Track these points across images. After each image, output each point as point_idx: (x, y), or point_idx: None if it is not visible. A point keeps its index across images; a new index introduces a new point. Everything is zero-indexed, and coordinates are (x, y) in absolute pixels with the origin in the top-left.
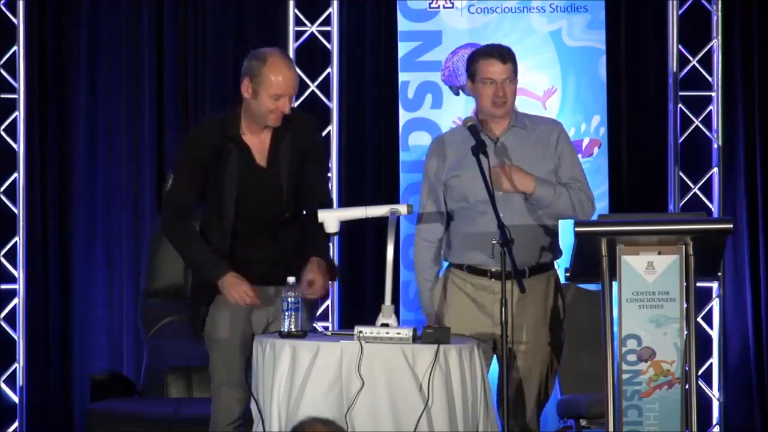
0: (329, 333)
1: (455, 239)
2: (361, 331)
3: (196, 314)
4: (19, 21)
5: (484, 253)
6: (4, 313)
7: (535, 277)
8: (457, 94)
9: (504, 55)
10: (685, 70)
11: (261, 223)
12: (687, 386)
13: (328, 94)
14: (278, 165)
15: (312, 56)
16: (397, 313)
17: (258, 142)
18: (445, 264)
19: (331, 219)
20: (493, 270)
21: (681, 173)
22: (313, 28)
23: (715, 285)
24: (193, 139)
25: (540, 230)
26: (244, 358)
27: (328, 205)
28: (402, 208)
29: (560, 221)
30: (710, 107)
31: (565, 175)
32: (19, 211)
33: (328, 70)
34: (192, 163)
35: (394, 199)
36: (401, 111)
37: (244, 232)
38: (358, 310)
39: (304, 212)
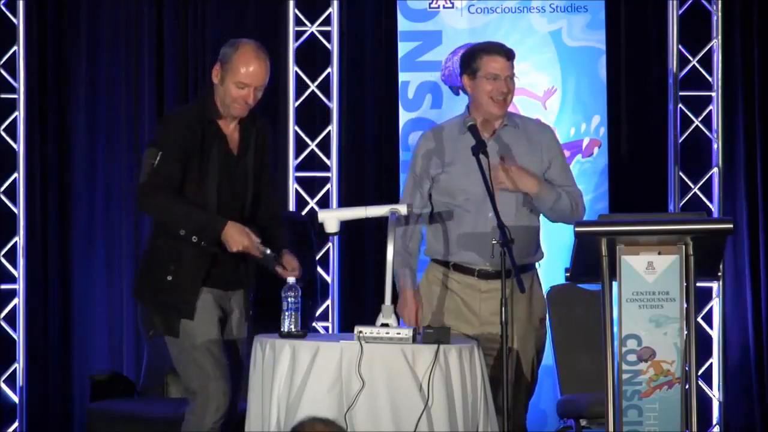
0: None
1: (441, 236)
2: (361, 331)
3: (168, 318)
4: (19, 21)
5: (472, 251)
6: (4, 313)
7: (522, 276)
8: (457, 94)
9: (508, 52)
10: (685, 70)
11: (229, 217)
12: (687, 386)
13: (328, 94)
14: (246, 158)
15: (312, 56)
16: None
17: (230, 132)
18: (425, 260)
19: (331, 219)
20: (480, 269)
21: (681, 173)
22: (313, 28)
23: (715, 285)
24: (177, 119)
25: (528, 231)
26: (225, 351)
27: (278, 211)
28: (402, 208)
29: (542, 223)
30: (710, 107)
31: (556, 180)
32: (19, 211)
33: (328, 70)
34: (179, 142)
35: (394, 199)
36: (401, 111)
37: None
38: (358, 310)
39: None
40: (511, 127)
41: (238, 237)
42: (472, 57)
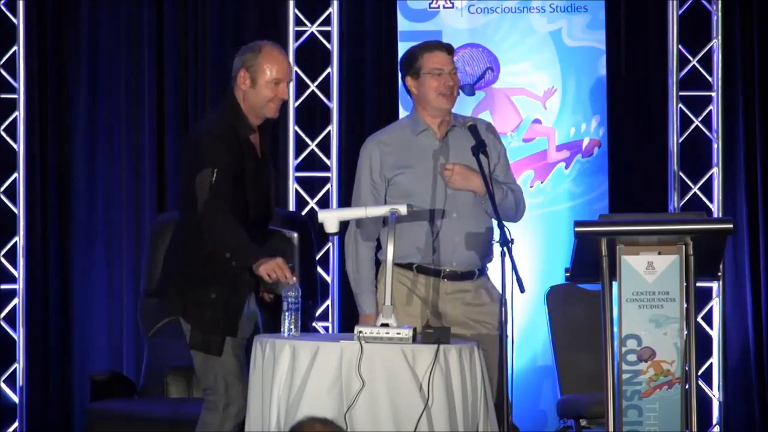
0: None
1: (401, 239)
2: (361, 331)
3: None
4: (19, 21)
5: (439, 253)
6: (4, 313)
7: (479, 281)
8: (457, 94)
9: (448, 47)
10: (685, 70)
11: (256, 225)
12: (687, 386)
13: (328, 94)
14: (268, 161)
15: (312, 56)
16: None
17: (255, 139)
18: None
19: (331, 219)
20: (448, 270)
21: (681, 173)
22: (313, 28)
23: (715, 285)
24: (221, 138)
25: (488, 232)
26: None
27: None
28: (402, 208)
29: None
30: (710, 107)
31: (500, 177)
32: (19, 211)
33: (328, 70)
34: (228, 160)
35: None
36: (401, 111)
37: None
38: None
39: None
40: (459, 128)
41: (270, 266)
42: (413, 58)
